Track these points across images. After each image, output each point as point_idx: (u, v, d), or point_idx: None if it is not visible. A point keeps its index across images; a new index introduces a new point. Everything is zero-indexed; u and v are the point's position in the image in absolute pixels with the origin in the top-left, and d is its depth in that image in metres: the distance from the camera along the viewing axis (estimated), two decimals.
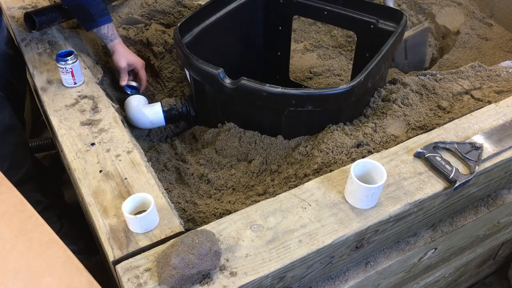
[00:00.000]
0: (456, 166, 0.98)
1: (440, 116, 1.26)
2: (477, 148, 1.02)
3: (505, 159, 1.03)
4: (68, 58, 1.21)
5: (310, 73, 1.87)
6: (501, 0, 1.91)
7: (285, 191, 0.97)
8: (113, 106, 1.21)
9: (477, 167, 0.98)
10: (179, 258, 0.78)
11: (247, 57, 1.69)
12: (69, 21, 1.55)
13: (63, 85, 1.26)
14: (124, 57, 1.42)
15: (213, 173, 1.24)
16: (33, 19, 1.39)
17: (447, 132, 1.08)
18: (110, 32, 1.38)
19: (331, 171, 1.07)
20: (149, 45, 1.63)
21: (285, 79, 1.80)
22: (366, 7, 1.42)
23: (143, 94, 1.51)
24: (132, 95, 1.45)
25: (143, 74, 1.48)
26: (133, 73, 1.49)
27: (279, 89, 1.12)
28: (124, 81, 1.46)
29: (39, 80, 1.28)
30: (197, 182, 1.24)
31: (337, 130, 1.20)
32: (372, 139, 1.18)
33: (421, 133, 1.09)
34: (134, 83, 1.48)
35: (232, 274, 0.82)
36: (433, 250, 1.18)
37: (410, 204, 0.94)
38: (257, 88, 1.13)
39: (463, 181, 0.95)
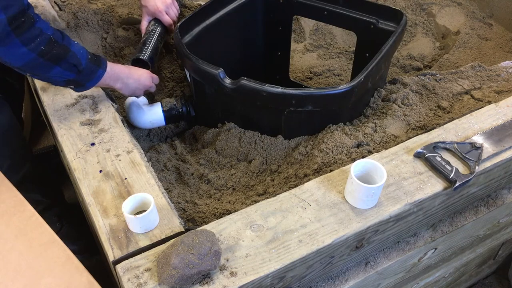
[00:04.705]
0: (456, 166, 0.98)
1: (440, 116, 1.26)
2: (477, 148, 1.02)
3: (505, 159, 1.03)
4: None
5: (310, 73, 1.87)
6: (501, 0, 1.91)
7: (285, 191, 0.97)
8: (113, 106, 1.21)
9: (477, 167, 0.98)
10: (179, 258, 0.78)
11: (247, 57, 1.69)
12: (68, 21, 1.55)
13: None
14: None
15: (213, 173, 1.24)
16: (144, 61, 1.37)
17: (447, 132, 1.08)
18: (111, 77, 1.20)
19: (331, 171, 1.07)
20: None
21: (285, 79, 1.80)
22: (366, 7, 1.42)
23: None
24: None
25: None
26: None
27: (279, 89, 1.12)
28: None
29: (39, 80, 1.28)
30: (197, 182, 1.24)
31: (337, 130, 1.20)
32: (372, 139, 1.18)
33: (421, 133, 1.09)
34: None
35: (232, 274, 0.82)
36: (433, 250, 1.18)
37: (410, 204, 0.94)
38: (257, 88, 1.13)
39: (463, 181, 0.95)
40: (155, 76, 1.35)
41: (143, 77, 1.29)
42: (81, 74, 1.09)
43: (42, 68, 1.03)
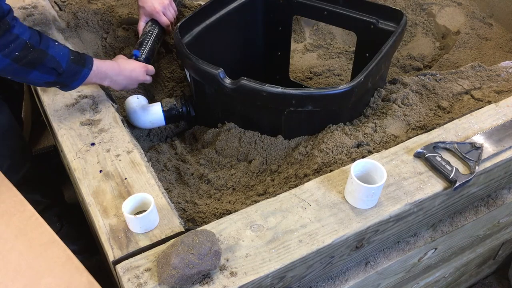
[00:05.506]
0: (456, 166, 0.98)
1: (440, 116, 1.26)
2: (477, 148, 1.02)
3: (505, 159, 1.03)
4: None
5: (310, 73, 1.87)
6: (501, 0, 1.91)
7: (285, 191, 0.97)
8: (113, 106, 1.21)
9: (477, 167, 0.98)
10: (179, 258, 0.78)
11: (247, 57, 1.69)
12: (68, 21, 1.55)
13: None
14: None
15: (213, 173, 1.24)
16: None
17: (447, 132, 1.08)
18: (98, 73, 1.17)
19: (331, 171, 1.07)
20: None
21: (285, 79, 1.80)
22: (366, 7, 1.42)
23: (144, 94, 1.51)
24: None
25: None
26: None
27: (279, 89, 1.12)
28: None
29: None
30: (197, 182, 1.24)
31: (337, 130, 1.20)
32: (372, 139, 1.18)
33: (421, 133, 1.09)
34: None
35: (232, 274, 0.82)
36: (433, 250, 1.18)
37: (410, 204, 0.94)
38: (257, 88, 1.13)
39: (463, 181, 0.95)
40: (150, 67, 1.34)
41: (135, 72, 1.28)
42: (62, 76, 1.07)
43: (19, 73, 1.02)
